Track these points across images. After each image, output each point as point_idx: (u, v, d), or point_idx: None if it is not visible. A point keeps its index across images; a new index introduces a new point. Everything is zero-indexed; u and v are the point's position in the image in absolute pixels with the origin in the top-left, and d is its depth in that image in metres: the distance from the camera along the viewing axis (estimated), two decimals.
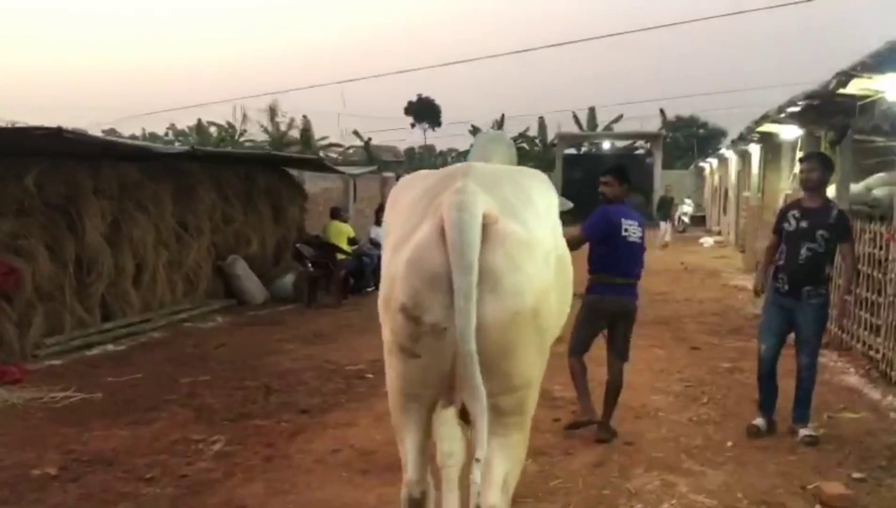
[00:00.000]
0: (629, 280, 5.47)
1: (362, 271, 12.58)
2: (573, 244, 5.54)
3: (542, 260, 2.77)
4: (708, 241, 23.39)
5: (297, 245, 12.14)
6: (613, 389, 5.57)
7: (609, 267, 5.43)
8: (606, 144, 41.09)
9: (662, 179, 35.74)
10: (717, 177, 29.52)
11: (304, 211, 13.85)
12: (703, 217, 32.25)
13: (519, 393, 2.77)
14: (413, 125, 72.91)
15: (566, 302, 3.26)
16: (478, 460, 2.58)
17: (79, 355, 8.20)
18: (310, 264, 11.90)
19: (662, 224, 22.28)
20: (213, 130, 48.84)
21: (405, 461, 2.92)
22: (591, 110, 48.18)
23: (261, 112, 47.72)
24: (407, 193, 3.05)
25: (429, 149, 71.21)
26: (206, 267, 11.09)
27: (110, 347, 8.65)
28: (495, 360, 2.64)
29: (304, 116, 44.19)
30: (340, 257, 12.20)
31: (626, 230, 5.40)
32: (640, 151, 42.44)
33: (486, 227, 2.60)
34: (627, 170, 5.98)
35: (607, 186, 5.67)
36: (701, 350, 8.60)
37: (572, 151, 42.71)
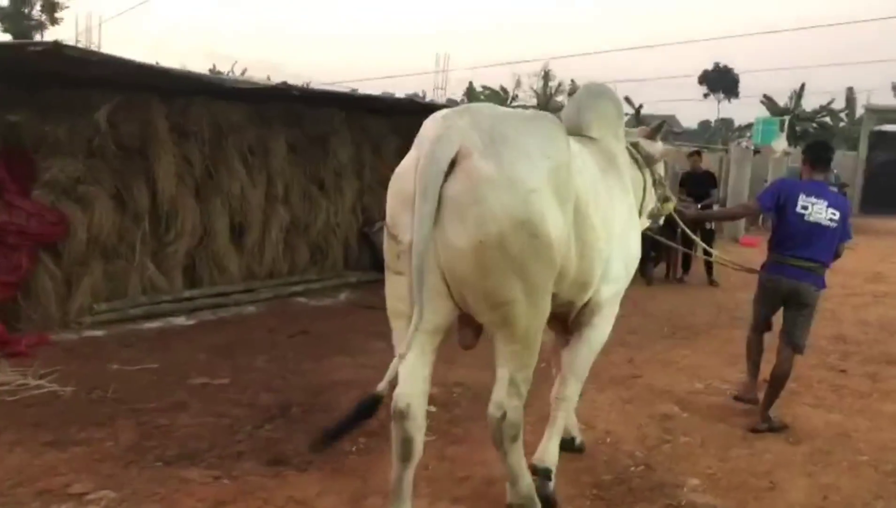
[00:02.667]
0: (804, 263, 5.03)
1: None
2: (748, 211, 6.37)
3: (518, 199, 2.86)
4: None
5: (366, 229, 9.73)
6: (776, 377, 5.20)
7: (782, 245, 5.13)
8: None
9: None
10: None
11: None
12: None
13: (501, 310, 2.97)
14: (706, 95, 67.60)
15: (584, 252, 3.32)
16: (401, 356, 2.92)
17: (131, 327, 6.88)
18: None
19: None
20: (487, 93, 48.23)
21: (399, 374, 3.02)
22: None
23: (534, 76, 46.39)
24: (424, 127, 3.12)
25: (726, 123, 65.55)
26: (345, 233, 9.42)
27: (181, 320, 7.26)
28: (471, 280, 2.90)
29: (573, 81, 41.94)
30: None
31: (803, 208, 5.03)
32: None
33: (457, 162, 2.84)
34: (809, 147, 5.49)
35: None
36: None
37: (889, 127, 36.00)
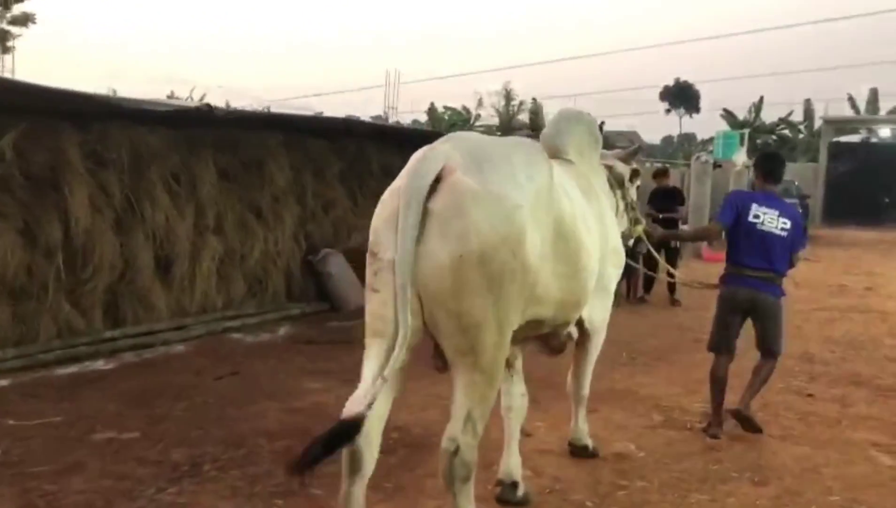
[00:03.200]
0: (761, 273, 5.08)
1: None
2: (712, 233, 5.93)
3: (501, 214, 2.87)
4: None
5: (310, 257, 9.29)
6: (760, 374, 5.29)
7: (738, 257, 5.16)
8: (886, 132, 34.21)
9: None
10: None
11: None
12: None
13: (470, 334, 2.89)
14: (668, 111, 68.13)
15: (572, 272, 3.38)
16: (384, 379, 2.76)
17: (42, 374, 6.26)
18: None
19: None
20: (449, 113, 47.84)
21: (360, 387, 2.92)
22: (873, 92, 41.08)
23: (495, 95, 46.14)
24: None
25: (688, 137, 66.05)
26: (286, 262, 8.90)
27: (99, 364, 6.67)
28: (445, 299, 2.84)
29: (534, 99, 41.80)
30: None
31: (755, 217, 5.10)
32: None
33: (442, 178, 2.84)
34: (760, 158, 5.68)
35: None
36: None
37: (845, 139, 36.28)
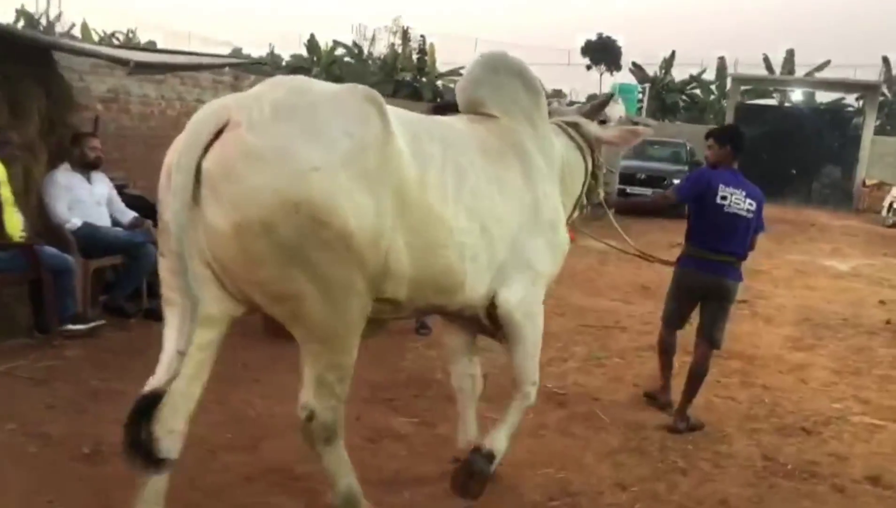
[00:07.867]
0: (724, 257, 4.82)
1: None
2: (662, 205, 5.40)
3: (289, 176, 2.51)
4: None
5: None
6: (694, 375, 4.93)
7: (700, 239, 4.87)
8: (799, 95, 31.12)
9: (874, 147, 25.86)
10: None
11: (72, 135, 6.29)
12: None
13: (287, 304, 2.70)
14: (589, 67, 65.01)
15: (427, 248, 2.98)
16: (180, 352, 2.56)
17: None
18: None
19: None
20: (339, 50, 43.06)
21: (161, 360, 2.72)
22: (790, 53, 38.08)
23: (387, 32, 41.68)
24: None
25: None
26: None
27: None
28: (237, 269, 2.61)
29: (422, 37, 37.17)
30: None
31: (723, 198, 4.79)
32: (850, 109, 32.31)
33: (221, 132, 2.54)
34: (735, 133, 5.15)
35: (709, 148, 5.07)
36: None
37: (756, 102, 33.12)
